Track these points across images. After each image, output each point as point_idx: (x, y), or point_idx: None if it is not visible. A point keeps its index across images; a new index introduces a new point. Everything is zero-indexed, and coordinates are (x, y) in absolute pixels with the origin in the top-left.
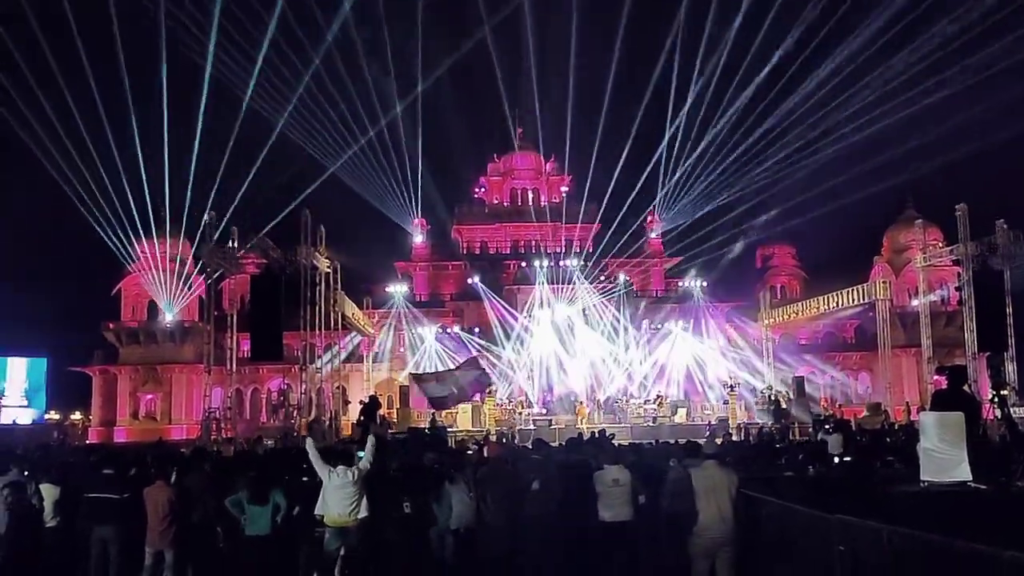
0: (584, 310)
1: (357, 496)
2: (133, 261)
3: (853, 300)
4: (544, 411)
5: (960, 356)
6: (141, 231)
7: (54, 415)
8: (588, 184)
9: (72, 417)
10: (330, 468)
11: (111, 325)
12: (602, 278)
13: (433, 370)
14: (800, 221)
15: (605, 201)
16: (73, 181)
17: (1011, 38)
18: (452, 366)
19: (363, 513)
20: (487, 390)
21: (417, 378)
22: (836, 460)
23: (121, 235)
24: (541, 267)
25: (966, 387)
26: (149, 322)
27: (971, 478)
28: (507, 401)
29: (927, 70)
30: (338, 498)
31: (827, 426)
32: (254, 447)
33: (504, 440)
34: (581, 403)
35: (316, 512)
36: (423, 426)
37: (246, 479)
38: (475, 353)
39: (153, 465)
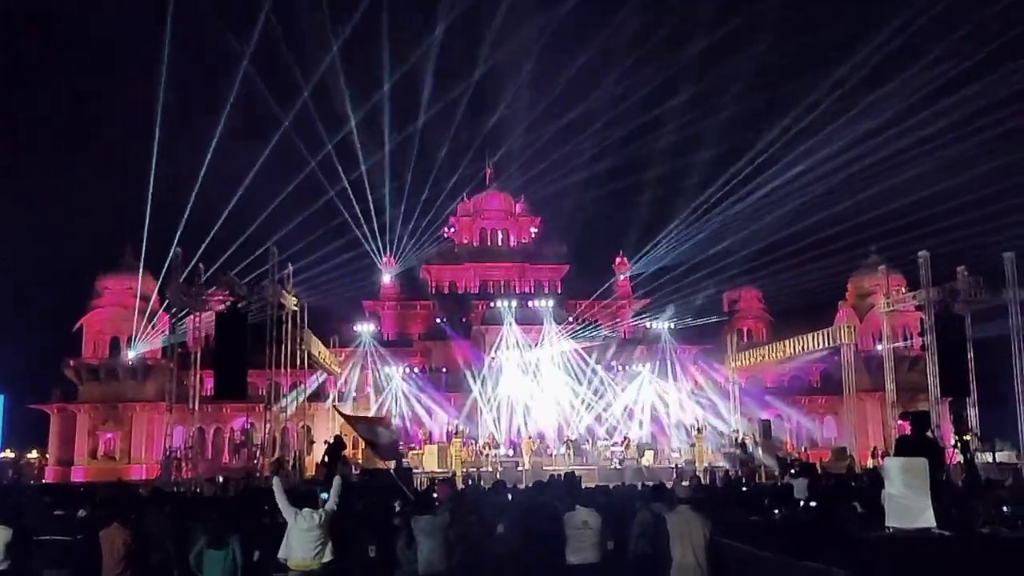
0: (552, 352)
1: (322, 539)
2: (96, 297)
3: (818, 344)
4: (511, 452)
5: (924, 401)
6: (105, 266)
7: (9, 453)
8: (554, 226)
9: (28, 456)
10: (296, 510)
11: (72, 362)
12: (570, 319)
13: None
14: (766, 264)
15: (570, 242)
16: (36, 213)
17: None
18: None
19: (328, 557)
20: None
21: (351, 420)
22: (801, 504)
23: (84, 270)
24: (509, 308)
25: (929, 433)
26: (111, 359)
27: (935, 524)
28: (474, 442)
29: (890, 119)
30: (303, 541)
31: (792, 470)
32: (224, 489)
33: (471, 482)
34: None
35: (280, 555)
36: (388, 467)
37: (205, 524)
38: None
39: (110, 506)
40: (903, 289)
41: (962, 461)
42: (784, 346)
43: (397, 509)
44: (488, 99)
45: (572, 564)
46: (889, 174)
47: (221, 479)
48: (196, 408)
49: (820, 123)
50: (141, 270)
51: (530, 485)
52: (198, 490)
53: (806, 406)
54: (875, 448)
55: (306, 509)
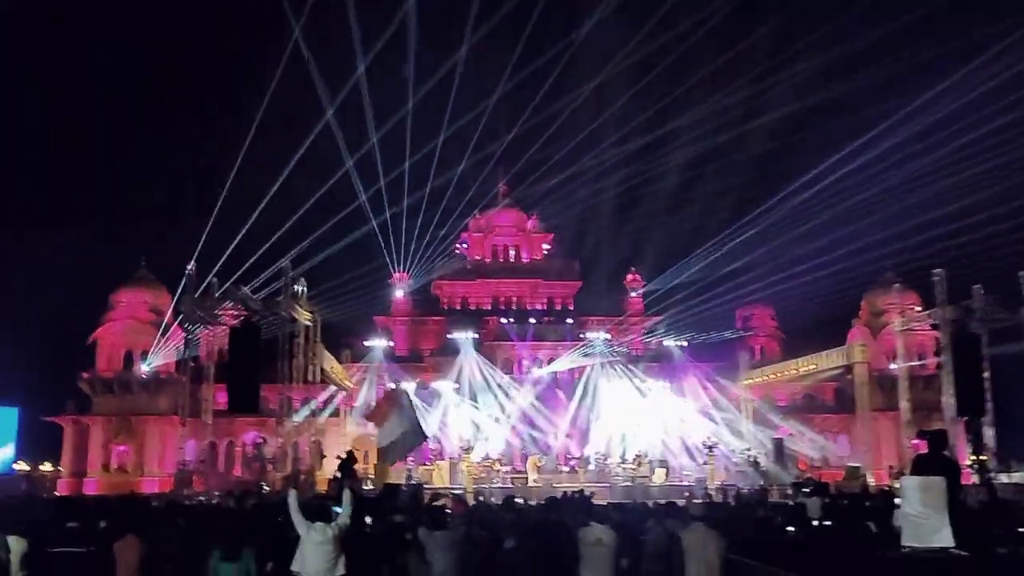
0: (564, 368)
1: (335, 554)
2: (110, 310)
3: (831, 363)
4: (523, 469)
5: (939, 420)
6: (120, 280)
7: (23, 466)
8: (567, 242)
9: (41, 468)
10: (309, 524)
11: (86, 375)
12: (583, 336)
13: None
14: (779, 281)
15: (583, 259)
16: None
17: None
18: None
19: (341, 571)
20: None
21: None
22: (815, 523)
23: (100, 283)
24: (521, 324)
25: (946, 452)
26: (124, 372)
27: (953, 544)
28: (485, 458)
29: (907, 138)
30: (317, 555)
31: (805, 489)
32: (241, 502)
33: (480, 498)
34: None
35: (293, 568)
36: (400, 483)
37: (219, 535)
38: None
39: (124, 518)
40: (918, 307)
41: (979, 481)
42: (797, 364)
43: (410, 524)
44: (503, 115)
45: None
46: (905, 191)
47: (239, 492)
48: (209, 422)
49: (836, 139)
50: (155, 284)
51: (541, 502)
52: (217, 502)
53: (819, 424)
54: (891, 467)
55: (319, 523)
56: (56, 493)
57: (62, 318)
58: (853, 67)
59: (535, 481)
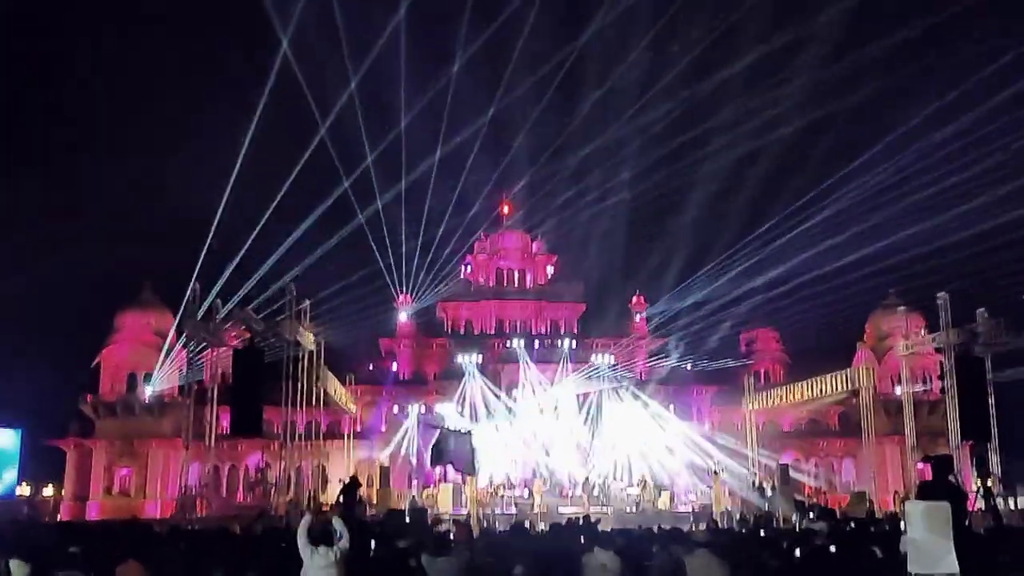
0: (567, 391)
1: None
2: (114, 332)
3: (836, 387)
4: (527, 493)
5: (944, 445)
6: (123, 302)
7: (25, 489)
8: (571, 264)
9: (44, 492)
10: (312, 548)
11: (89, 397)
12: (587, 359)
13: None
14: (784, 305)
15: (587, 281)
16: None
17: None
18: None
19: None
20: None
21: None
22: (821, 548)
23: (103, 305)
24: (526, 346)
25: (951, 477)
26: (128, 395)
27: (957, 571)
28: (489, 483)
29: (911, 162)
30: None
31: (811, 514)
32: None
33: (485, 524)
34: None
35: None
36: (403, 507)
37: (221, 559)
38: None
39: (126, 543)
40: (923, 331)
41: (984, 507)
42: (801, 388)
43: (414, 549)
44: (504, 136)
45: None
46: (909, 216)
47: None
48: (213, 445)
49: (840, 163)
50: (159, 305)
51: (545, 528)
52: (230, 527)
53: (824, 449)
54: (896, 492)
55: (322, 547)
56: (59, 517)
57: (66, 340)
58: (855, 82)
59: (540, 506)
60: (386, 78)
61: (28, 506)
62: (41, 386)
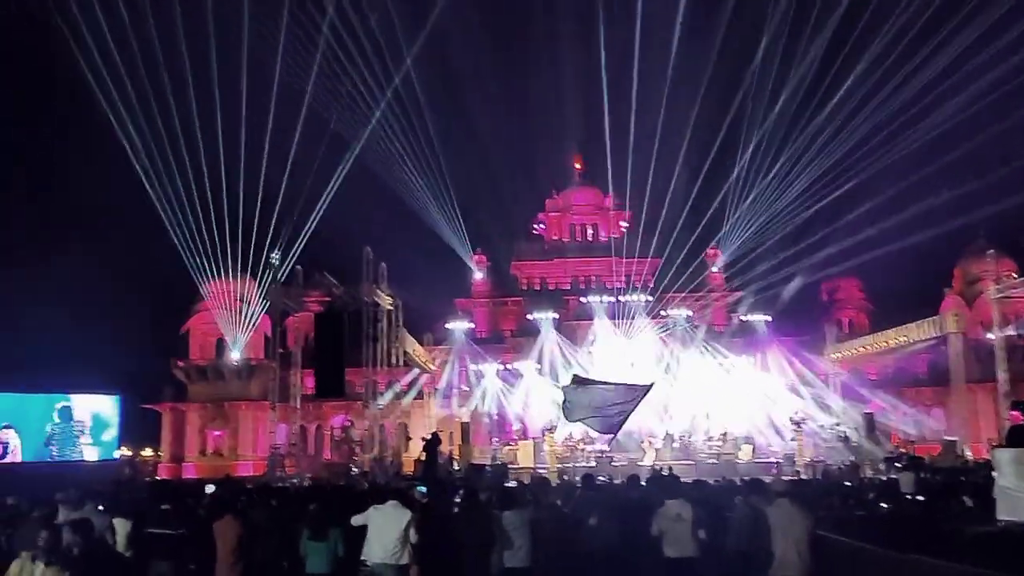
0: (645, 346)
1: (401, 541)
2: (201, 300)
3: (923, 334)
4: (607, 448)
5: None
6: (210, 271)
7: (125, 451)
8: (645, 218)
9: (143, 453)
10: (376, 506)
11: (180, 363)
12: (664, 313)
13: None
14: (866, 253)
15: (662, 234)
16: (145, 220)
17: None
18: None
19: (404, 560)
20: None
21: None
22: (908, 498)
23: (191, 274)
24: (601, 302)
25: None
26: (216, 360)
27: None
28: (568, 438)
29: (1002, 98)
30: (381, 539)
31: (898, 464)
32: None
33: (565, 477)
34: (650, 442)
35: (363, 556)
36: (484, 462)
37: (308, 515)
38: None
39: (221, 500)
40: (1014, 274)
41: None
42: (887, 336)
43: (496, 502)
44: (580, 94)
45: (670, 558)
46: (998, 154)
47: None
48: (298, 406)
49: (932, 104)
50: (243, 273)
51: (623, 480)
52: (342, 483)
53: (913, 398)
54: (989, 440)
55: (390, 503)
56: (156, 477)
57: (155, 308)
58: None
59: (619, 460)
60: (455, 34)
61: (129, 467)
62: (136, 352)
